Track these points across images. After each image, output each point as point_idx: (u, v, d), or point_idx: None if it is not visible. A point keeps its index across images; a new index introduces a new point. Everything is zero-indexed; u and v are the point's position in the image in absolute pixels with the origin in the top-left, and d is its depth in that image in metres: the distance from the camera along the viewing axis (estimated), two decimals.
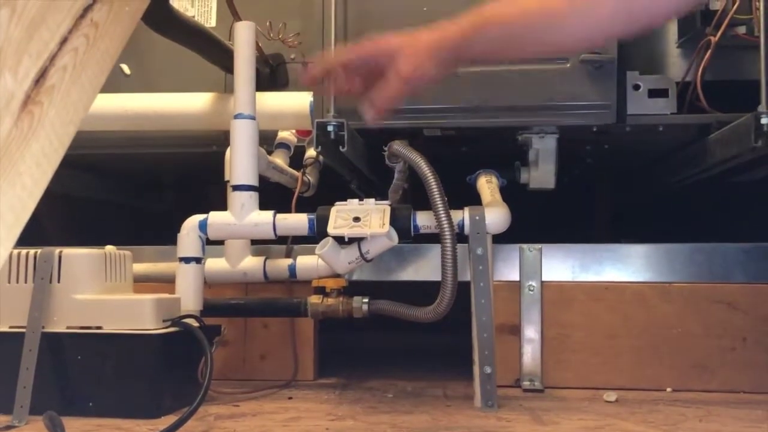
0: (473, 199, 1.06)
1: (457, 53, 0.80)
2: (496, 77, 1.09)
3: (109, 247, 1.00)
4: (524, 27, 0.78)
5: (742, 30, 1.10)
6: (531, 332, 1.11)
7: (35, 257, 0.93)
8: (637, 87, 1.10)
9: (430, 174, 0.93)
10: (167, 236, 1.12)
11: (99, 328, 0.91)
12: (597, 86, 1.08)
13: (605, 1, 0.76)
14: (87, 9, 0.49)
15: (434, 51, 0.80)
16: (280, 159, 1.25)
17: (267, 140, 1.25)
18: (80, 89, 0.50)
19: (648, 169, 1.44)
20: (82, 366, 0.90)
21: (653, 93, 1.10)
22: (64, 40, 0.48)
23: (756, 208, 1.32)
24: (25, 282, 0.93)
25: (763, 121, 0.94)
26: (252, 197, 1.03)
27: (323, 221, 0.96)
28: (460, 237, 0.95)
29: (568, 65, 1.09)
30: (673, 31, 1.14)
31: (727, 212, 1.49)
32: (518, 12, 0.78)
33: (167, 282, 1.08)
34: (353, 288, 1.08)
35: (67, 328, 0.91)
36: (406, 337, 1.63)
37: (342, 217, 0.95)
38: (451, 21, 0.80)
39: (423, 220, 0.97)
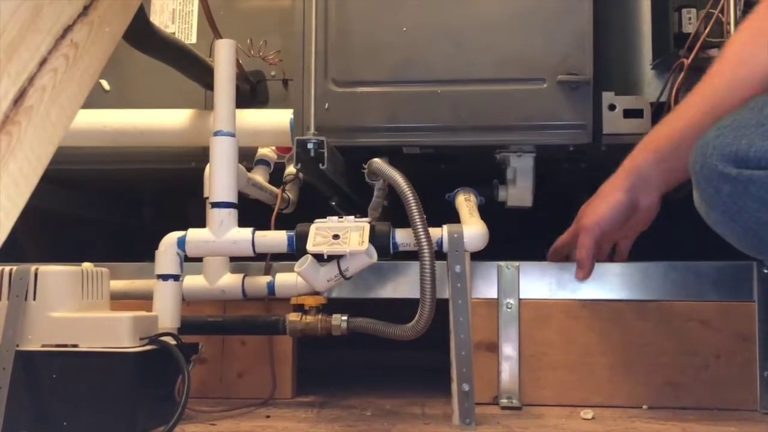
0: (452, 216, 1.07)
1: (638, 181, 0.98)
2: (474, 96, 1.11)
3: (86, 264, 0.99)
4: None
5: (714, 52, 1.13)
6: (509, 350, 1.11)
7: (10, 274, 0.92)
8: (612, 107, 1.12)
9: (409, 192, 0.94)
10: (145, 252, 1.12)
11: (75, 346, 0.90)
12: (573, 106, 1.10)
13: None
14: (67, 29, 0.49)
15: (610, 192, 1.00)
16: (259, 176, 1.25)
17: (247, 157, 1.25)
18: (59, 109, 0.50)
19: None
20: (57, 385, 0.89)
21: (628, 113, 1.12)
22: (43, 61, 0.47)
23: None
24: None
25: None
26: (231, 214, 1.03)
27: (302, 238, 0.96)
28: (439, 254, 0.96)
29: (546, 85, 1.10)
30: (647, 53, 1.16)
31: (701, 230, 1.50)
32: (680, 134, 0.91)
33: (145, 299, 1.08)
34: (332, 305, 1.08)
35: (42, 346, 0.90)
36: (385, 354, 1.63)
37: (321, 234, 0.96)
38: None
39: (402, 237, 0.98)
